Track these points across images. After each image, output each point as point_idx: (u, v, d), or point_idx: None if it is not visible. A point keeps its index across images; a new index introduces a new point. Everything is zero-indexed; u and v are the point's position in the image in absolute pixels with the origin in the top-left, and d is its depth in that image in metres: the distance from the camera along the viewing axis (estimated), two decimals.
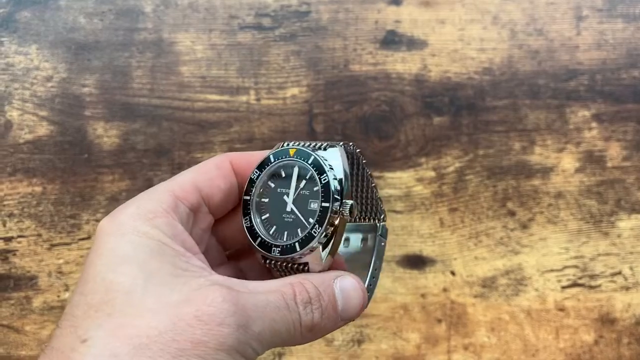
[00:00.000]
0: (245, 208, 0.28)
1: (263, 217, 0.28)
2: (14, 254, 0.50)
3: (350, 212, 0.26)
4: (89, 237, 0.50)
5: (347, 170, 0.27)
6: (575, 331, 0.50)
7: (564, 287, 0.51)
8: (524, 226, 0.52)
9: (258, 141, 0.53)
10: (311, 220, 0.27)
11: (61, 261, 0.50)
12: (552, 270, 0.51)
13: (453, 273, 0.51)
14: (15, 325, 0.49)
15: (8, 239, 0.50)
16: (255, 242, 0.27)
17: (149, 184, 0.51)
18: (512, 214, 0.52)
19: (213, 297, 0.23)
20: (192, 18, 0.54)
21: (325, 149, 0.28)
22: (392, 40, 0.55)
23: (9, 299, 0.49)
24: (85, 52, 0.53)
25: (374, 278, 0.31)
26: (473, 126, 0.53)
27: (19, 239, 0.50)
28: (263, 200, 0.28)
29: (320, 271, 0.27)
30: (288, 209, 0.27)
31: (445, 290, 0.50)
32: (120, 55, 0.53)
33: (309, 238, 0.27)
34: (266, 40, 0.54)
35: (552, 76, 0.55)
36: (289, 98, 0.53)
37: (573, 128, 0.54)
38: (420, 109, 0.53)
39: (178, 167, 0.52)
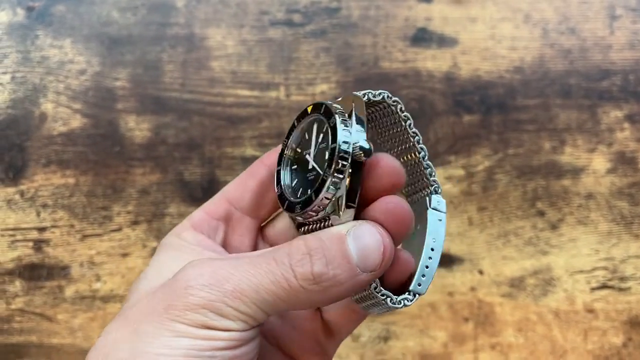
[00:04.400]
0: (277, 178, 0.27)
1: (294, 184, 0.26)
2: (48, 244, 0.51)
3: (363, 151, 0.24)
4: (120, 229, 0.51)
5: (362, 117, 0.25)
6: (603, 333, 0.50)
7: (593, 289, 0.50)
8: (554, 226, 0.52)
9: None
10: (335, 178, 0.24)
11: (93, 252, 0.51)
12: (581, 272, 0.51)
13: (481, 272, 0.51)
14: (48, 313, 0.50)
15: (42, 229, 0.51)
16: (284, 206, 0.26)
17: (179, 177, 0.52)
18: (541, 214, 0.52)
19: (190, 265, 0.24)
20: (224, 13, 0.55)
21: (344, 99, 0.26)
22: (422, 37, 0.54)
23: (42, 287, 0.50)
24: (118, 46, 0.54)
25: (431, 259, 0.27)
26: (503, 125, 0.53)
27: (53, 229, 0.51)
28: (293, 167, 0.27)
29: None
30: (310, 167, 0.26)
31: (472, 289, 0.50)
32: (152, 49, 0.54)
33: (322, 184, 0.24)
34: (296, 37, 0.55)
35: (584, 76, 0.54)
36: (319, 94, 0.54)
37: (605, 129, 0.53)
38: (450, 107, 0.53)
39: (209, 162, 0.52)
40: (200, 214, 0.29)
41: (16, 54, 0.54)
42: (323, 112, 0.25)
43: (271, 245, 0.29)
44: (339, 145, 0.24)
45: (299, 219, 0.26)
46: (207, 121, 0.53)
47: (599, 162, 0.53)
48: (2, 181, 0.52)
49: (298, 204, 0.25)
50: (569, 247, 0.51)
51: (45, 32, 0.54)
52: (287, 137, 0.27)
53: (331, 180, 0.24)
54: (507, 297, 0.50)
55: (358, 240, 0.24)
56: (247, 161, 0.52)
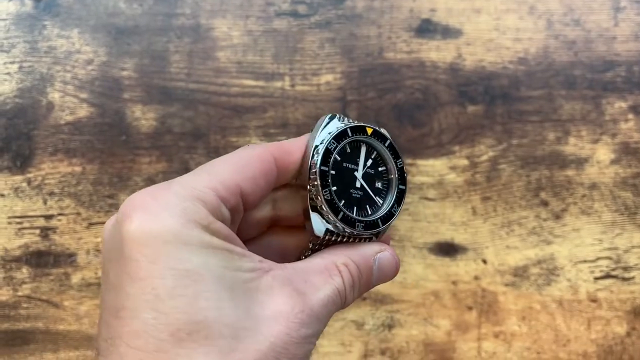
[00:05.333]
0: (323, 179, 0.27)
1: (334, 189, 0.27)
2: (54, 232, 0.51)
3: None
4: None
5: None
6: (607, 323, 0.50)
7: (596, 279, 0.51)
8: (557, 216, 0.52)
9: (292, 127, 0.53)
10: (379, 199, 0.29)
11: (99, 239, 0.51)
12: (585, 261, 0.51)
13: (484, 261, 0.51)
14: (55, 300, 0.50)
15: (49, 217, 0.51)
16: (337, 217, 0.27)
17: (185, 166, 0.52)
18: (545, 204, 0.52)
19: (292, 309, 0.23)
20: (229, 4, 0.55)
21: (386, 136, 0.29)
22: (427, 28, 0.55)
23: (48, 274, 0.51)
24: (125, 36, 0.54)
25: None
26: (507, 115, 0.53)
27: (59, 217, 0.51)
28: (331, 172, 0.28)
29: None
30: (357, 185, 0.28)
31: (476, 278, 0.50)
32: (159, 40, 0.54)
33: (390, 216, 0.28)
34: (301, 27, 0.55)
35: (588, 67, 0.54)
36: (323, 85, 0.54)
37: (609, 119, 0.53)
38: (455, 98, 0.54)
39: (214, 151, 0.52)
40: (214, 199, 0.24)
41: (24, 44, 0.54)
42: (388, 147, 0.29)
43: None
44: (406, 189, 0.29)
45: (344, 230, 0.28)
46: (213, 111, 0.53)
47: (603, 152, 0.53)
48: (10, 169, 0.52)
49: (360, 222, 0.28)
50: (573, 236, 0.51)
51: (53, 22, 0.55)
52: (337, 140, 0.28)
53: (397, 215, 0.29)
54: (510, 286, 0.50)
55: (381, 268, 0.28)
56: None
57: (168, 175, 0.52)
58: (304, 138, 0.29)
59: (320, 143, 0.27)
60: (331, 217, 0.27)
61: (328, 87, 0.54)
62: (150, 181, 0.52)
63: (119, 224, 0.23)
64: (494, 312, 0.50)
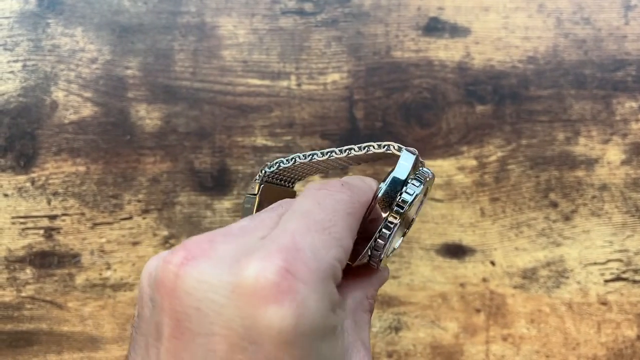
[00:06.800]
0: (407, 227, 0.27)
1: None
2: (58, 232, 0.51)
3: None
4: (130, 217, 0.51)
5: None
6: (617, 326, 0.49)
7: (607, 281, 0.50)
8: (567, 218, 0.51)
9: (298, 126, 0.53)
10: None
11: (103, 240, 0.51)
12: (595, 264, 0.50)
13: (493, 263, 0.50)
14: (59, 301, 0.50)
15: (53, 217, 0.51)
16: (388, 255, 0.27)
17: (190, 166, 0.52)
18: (554, 205, 0.51)
19: None
20: (235, 2, 0.54)
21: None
22: (434, 27, 0.54)
23: (52, 275, 0.50)
24: (129, 34, 0.54)
25: None
26: (516, 115, 0.53)
27: (63, 217, 0.51)
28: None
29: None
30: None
31: (484, 280, 0.50)
32: (163, 38, 0.54)
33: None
34: (308, 26, 0.54)
35: (598, 66, 0.53)
36: (330, 84, 0.53)
37: (619, 119, 0.53)
38: (463, 97, 0.53)
39: (219, 151, 0.52)
40: (340, 272, 0.21)
41: (27, 42, 0.54)
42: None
43: None
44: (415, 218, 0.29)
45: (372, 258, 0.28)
46: (218, 110, 0.53)
47: (614, 153, 0.52)
48: (13, 169, 0.52)
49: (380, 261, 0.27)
50: (583, 238, 0.50)
51: (57, 21, 0.54)
52: (418, 184, 0.26)
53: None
54: (519, 289, 0.50)
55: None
56: (258, 150, 0.52)
57: (173, 175, 0.52)
58: (373, 182, 0.26)
59: (410, 186, 0.25)
60: (383, 255, 0.26)
61: (335, 86, 0.53)
62: (155, 181, 0.52)
63: (253, 305, 0.18)
64: (503, 315, 0.49)
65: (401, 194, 0.25)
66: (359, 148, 0.27)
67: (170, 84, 0.53)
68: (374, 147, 0.27)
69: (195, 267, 0.19)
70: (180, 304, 0.19)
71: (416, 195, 0.25)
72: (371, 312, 0.25)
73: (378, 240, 0.25)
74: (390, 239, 0.25)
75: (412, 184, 0.25)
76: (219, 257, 0.19)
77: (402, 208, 0.25)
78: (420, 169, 0.27)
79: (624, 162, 0.52)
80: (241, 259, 0.19)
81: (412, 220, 0.28)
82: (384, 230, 0.25)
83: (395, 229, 0.25)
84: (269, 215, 0.22)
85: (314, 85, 0.53)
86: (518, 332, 0.49)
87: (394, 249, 0.27)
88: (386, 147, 0.26)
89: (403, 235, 0.28)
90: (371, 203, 0.24)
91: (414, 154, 0.26)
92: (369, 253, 0.25)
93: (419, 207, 0.28)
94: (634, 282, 0.50)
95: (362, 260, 0.26)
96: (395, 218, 0.25)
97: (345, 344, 0.21)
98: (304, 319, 0.18)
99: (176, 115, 0.53)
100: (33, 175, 0.52)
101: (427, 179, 0.26)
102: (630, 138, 0.52)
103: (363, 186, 0.24)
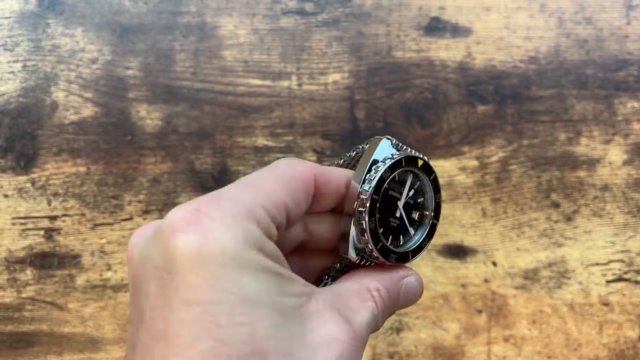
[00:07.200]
0: (372, 208, 0.26)
1: (371, 226, 0.27)
2: (59, 233, 0.51)
3: None
4: (131, 218, 0.51)
5: None
6: (619, 326, 0.49)
7: (608, 282, 0.50)
8: (568, 218, 0.51)
9: (299, 127, 0.52)
10: (412, 229, 0.28)
11: (104, 241, 0.50)
12: (596, 264, 0.50)
13: (494, 264, 0.50)
14: (59, 302, 0.50)
15: (53, 218, 0.51)
16: (376, 247, 0.27)
17: (190, 166, 0.52)
18: (556, 205, 0.51)
19: (345, 336, 0.23)
20: (235, 2, 0.54)
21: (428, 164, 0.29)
22: (436, 27, 0.54)
23: (53, 276, 0.50)
24: (130, 35, 0.54)
25: None
26: (518, 115, 0.52)
27: (64, 218, 0.51)
28: (379, 200, 0.27)
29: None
30: (397, 214, 0.28)
31: (486, 280, 0.50)
32: (164, 38, 0.54)
33: (419, 249, 0.28)
34: (308, 26, 0.54)
35: (600, 66, 0.53)
36: (331, 84, 0.53)
37: (621, 119, 0.52)
38: (464, 97, 0.53)
39: (220, 151, 0.52)
40: (266, 218, 0.23)
41: (27, 43, 0.53)
42: (432, 181, 0.28)
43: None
44: (437, 224, 0.29)
45: (377, 258, 0.28)
46: (219, 110, 0.53)
47: (615, 153, 0.52)
48: (14, 170, 0.52)
49: (394, 254, 0.27)
50: (584, 239, 0.50)
51: (57, 21, 0.54)
52: (392, 170, 0.27)
53: (425, 250, 0.28)
54: (521, 289, 0.50)
55: (407, 292, 0.28)
56: (258, 151, 0.52)
57: (173, 175, 0.51)
58: (345, 172, 0.28)
59: (374, 170, 0.27)
60: (370, 245, 0.27)
61: (335, 86, 0.53)
62: (156, 182, 0.51)
63: (165, 238, 0.21)
64: (504, 316, 0.49)
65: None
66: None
67: (171, 84, 0.53)
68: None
69: (142, 234, 0.23)
70: (132, 268, 0.22)
71: (381, 174, 0.26)
72: (376, 304, 0.26)
73: (352, 227, 0.26)
74: (368, 228, 0.26)
75: (381, 163, 0.27)
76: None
77: (368, 187, 0.26)
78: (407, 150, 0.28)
79: (625, 163, 0.52)
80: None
81: (429, 216, 0.29)
82: (357, 217, 0.26)
83: (366, 216, 0.26)
84: None
85: (315, 86, 0.53)
86: (519, 332, 0.49)
87: (421, 247, 0.28)
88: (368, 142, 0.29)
89: (427, 237, 0.28)
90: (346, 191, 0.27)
91: (385, 138, 0.28)
92: (355, 244, 0.27)
93: (433, 204, 0.29)
94: (636, 282, 0.50)
95: (349, 252, 0.27)
96: (364, 202, 0.26)
97: (306, 309, 0.22)
98: (207, 244, 0.20)
99: (177, 116, 0.52)
100: (33, 175, 0.51)
101: (396, 159, 0.27)
102: (632, 138, 0.52)
103: (333, 168, 0.27)
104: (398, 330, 0.49)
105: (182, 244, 0.20)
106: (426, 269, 0.50)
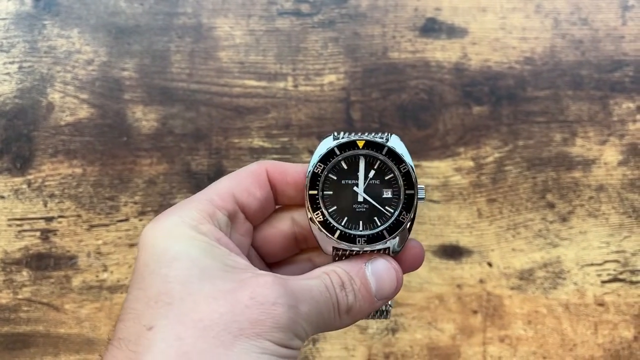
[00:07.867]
0: (313, 203, 0.28)
1: (330, 210, 0.28)
2: (55, 234, 0.51)
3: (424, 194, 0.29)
4: (127, 219, 0.51)
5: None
6: (614, 327, 0.49)
7: (604, 282, 0.50)
8: (564, 219, 0.51)
9: (295, 127, 0.52)
10: (390, 208, 0.28)
11: (100, 242, 0.51)
12: (592, 265, 0.50)
13: (490, 264, 0.50)
14: (55, 303, 0.50)
15: (49, 219, 0.51)
16: (334, 236, 0.28)
17: (186, 168, 0.52)
18: (551, 206, 0.51)
19: (265, 280, 0.25)
20: (231, 3, 0.54)
21: (387, 139, 0.29)
22: (431, 27, 0.54)
23: (49, 277, 0.50)
24: (126, 36, 0.54)
25: None
26: (513, 116, 0.52)
27: (60, 219, 0.51)
28: (326, 193, 0.28)
29: (398, 252, 0.29)
30: (360, 199, 0.28)
31: (481, 281, 0.50)
32: (160, 39, 0.54)
33: (398, 225, 0.28)
34: (304, 27, 0.54)
35: (596, 67, 0.53)
36: (327, 85, 0.53)
37: (617, 120, 0.52)
38: (460, 98, 0.53)
39: (216, 152, 0.52)
40: (208, 206, 0.28)
41: (23, 44, 0.53)
42: (386, 154, 0.28)
43: (260, 253, 0.31)
44: (417, 193, 0.28)
45: (351, 248, 0.28)
46: (214, 112, 0.53)
47: (611, 154, 0.52)
48: (10, 171, 0.52)
49: (361, 237, 0.28)
50: (579, 239, 0.50)
51: (53, 22, 0.54)
52: (323, 162, 0.28)
53: (407, 222, 0.28)
54: (516, 290, 0.50)
55: (376, 274, 0.28)
56: (254, 152, 0.52)
57: (169, 177, 0.51)
58: (301, 166, 0.30)
59: (311, 167, 0.28)
60: (329, 236, 0.27)
61: (331, 87, 0.53)
62: (152, 183, 0.51)
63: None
64: (500, 316, 0.49)
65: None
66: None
67: (166, 86, 0.53)
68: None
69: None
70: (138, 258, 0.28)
71: (315, 162, 0.28)
72: (330, 277, 0.27)
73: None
74: (317, 222, 0.28)
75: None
76: None
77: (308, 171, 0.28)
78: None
79: (621, 163, 0.52)
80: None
81: (402, 187, 0.28)
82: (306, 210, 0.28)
83: (320, 204, 0.28)
84: None
85: (311, 87, 0.53)
86: (515, 333, 0.49)
87: (400, 222, 0.28)
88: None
89: (405, 209, 0.28)
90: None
91: (331, 134, 0.29)
92: (326, 234, 0.28)
93: (400, 175, 0.28)
94: (631, 283, 0.50)
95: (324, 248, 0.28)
96: (315, 190, 0.28)
97: (238, 272, 0.26)
98: (155, 225, 0.27)
99: (172, 117, 0.53)
100: (29, 177, 0.51)
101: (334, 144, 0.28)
102: (627, 139, 0.52)
103: (291, 164, 0.31)
104: (394, 331, 0.49)
105: (145, 229, 0.27)
106: (422, 269, 0.50)
